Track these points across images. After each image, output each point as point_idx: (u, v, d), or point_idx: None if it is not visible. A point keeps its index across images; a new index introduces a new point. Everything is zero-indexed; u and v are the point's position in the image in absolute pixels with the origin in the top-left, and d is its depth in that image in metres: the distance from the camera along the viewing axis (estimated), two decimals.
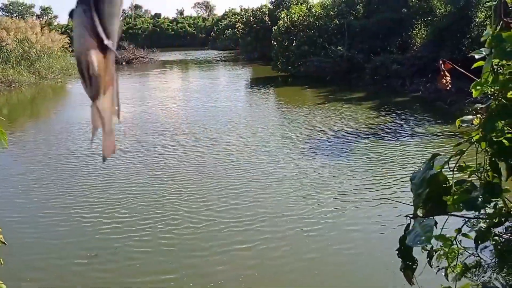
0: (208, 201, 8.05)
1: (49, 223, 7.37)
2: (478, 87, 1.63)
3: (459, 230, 1.97)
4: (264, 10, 40.87)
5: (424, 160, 1.76)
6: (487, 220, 1.89)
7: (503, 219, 1.80)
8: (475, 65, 1.70)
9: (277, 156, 10.71)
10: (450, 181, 1.67)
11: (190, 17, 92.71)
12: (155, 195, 8.41)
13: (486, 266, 2.49)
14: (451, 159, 1.66)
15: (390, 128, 13.42)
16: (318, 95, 20.71)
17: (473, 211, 1.63)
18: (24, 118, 18.81)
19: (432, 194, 1.64)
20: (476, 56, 1.68)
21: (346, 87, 22.09)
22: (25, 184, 9.39)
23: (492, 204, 1.74)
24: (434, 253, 2.05)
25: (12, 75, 27.13)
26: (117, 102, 0.83)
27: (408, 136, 12.40)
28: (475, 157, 1.71)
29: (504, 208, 1.75)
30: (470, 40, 19.23)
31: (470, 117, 1.76)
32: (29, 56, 29.39)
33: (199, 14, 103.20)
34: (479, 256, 2.41)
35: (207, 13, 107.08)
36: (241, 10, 57.09)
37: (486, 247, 2.51)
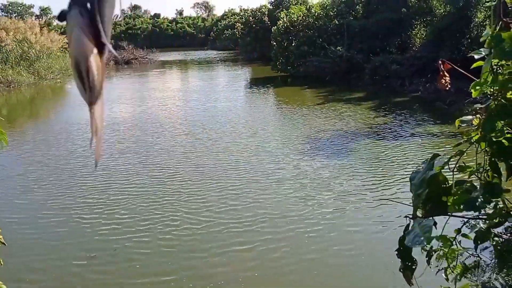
0: (207, 202, 8.05)
1: (48, 224, 7.36)
2: (477, 87, 1.62)
3: (458, 231, 1.96)
4: (263, 10, 40.87)
5: (424, 160, 1.75)
6: (487, 221, 1.89)
7: (502, 219, 1.79)
8: (474, 65, 1.70)
9: (277, 157, 10.71)
10: (449, 182, 1.67)
11: (190, 17, 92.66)
12: (155, 196, 8.41)
13: (485, 266, 2.49)
14: (451, 159, 1.66)
15: (390, 128, 13.42)
16: (317, 95, 20.72)
17: (472, 212, 1.63)
18: (23, 118, 18.79)
19: (431, 194, 1.63)
20: (476, 56, 1.67)
21: (346, 87, 22.10)
22: (24, 184, 9.38)
23: (492, 205, 1.73)
24: (433, 253, 2.05)
25: (12, 75, 27.13)
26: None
27: (408, 136, 12.40)
28: (475, 157, 1.71)
29: (504, 208, 1.75)
30: (469, 40, 19.24)
31: (470, 117, 1.76)
32: (29, 57, 29.39)
33: (199, 14, 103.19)
34: (478, 256, 2.40)
35: (207, 13, 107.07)
36: (241, 10, 57.05)
37: (486, 247, 2.50)
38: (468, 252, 2.26)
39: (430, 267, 2.02)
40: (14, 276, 5.49)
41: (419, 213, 1.67)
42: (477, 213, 1.77)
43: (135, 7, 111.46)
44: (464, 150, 1.69)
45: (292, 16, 28.14)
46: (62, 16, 0.72)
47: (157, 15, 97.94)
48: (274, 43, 28.35)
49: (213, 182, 9.08)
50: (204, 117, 16.19)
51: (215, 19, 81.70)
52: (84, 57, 0.71)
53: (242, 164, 10.26)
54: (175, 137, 13.28)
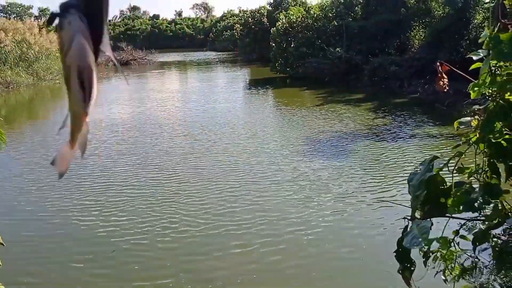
0: (206, 203, 8.03)
1: (45, 226, 7.33)
2: (476, 89, 1.62)
3: (457, 232, 1.96)
4: (262, 11, 40.91)
5: (422, 161, 1.75)
6: (486, 222, 1.88)
7: (500, 220, 1.79)
8: (473, 66, 1.70)
9: (276, 158, 10.70)
10: (447, 183, 1.66)
11: (189, 19, 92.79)
12: (153, 198, 8.39)
13: (483, 267, 2.48)
14: (450, 161, 1.65)
15: (389, 130, 13.43)
16: (316, 96, 20.73)
17: (470, 213, 1.63)
18: (22, 119, 18.77)
19: (430, 196, 1.63)
20: (474, 58, 1.67)
21: (345, 88, 22.12)
22: (22, 186, 9.35)
23: (490, 206, 1.73)
24: (431, 254, 2.04)
25: (10, 76, 27.12)
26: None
27: (407, 137, 12.40)
28: (474, 159, 1.71)
29: (502, 209, 1.74)
30: (468, 41, 19.29)
31: (468, 118, 1.75)
32: (27, 57, 29.36)
33: (198, 16, 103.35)
34: (477, 258, 2.40)
35: (206, 15, 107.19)
36: (240, 11, 57.09)
37: (484, 249, 2.50)
38: (467, 253, 2.26)
39: (427, 269, 2.02)
40: (11, 280, 5.46)
41: (417, 214, 1.67)
42: (475, 215, 1.76)
43: (134, 8, 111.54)
44: (463, 151, 1.69)
45: (291, 17, 28.17)
46: (53, 19, 0.69)
47: (156, 16, 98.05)
48: (273, 44, 28.37)
49: (212, 183, 9.06)
50: (203, 118, 16.18)
51: (214, 20, 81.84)
52: (88, 67, 0.68)
53: (241, 165, 10.25)
54: (174, 138, 13.26)
